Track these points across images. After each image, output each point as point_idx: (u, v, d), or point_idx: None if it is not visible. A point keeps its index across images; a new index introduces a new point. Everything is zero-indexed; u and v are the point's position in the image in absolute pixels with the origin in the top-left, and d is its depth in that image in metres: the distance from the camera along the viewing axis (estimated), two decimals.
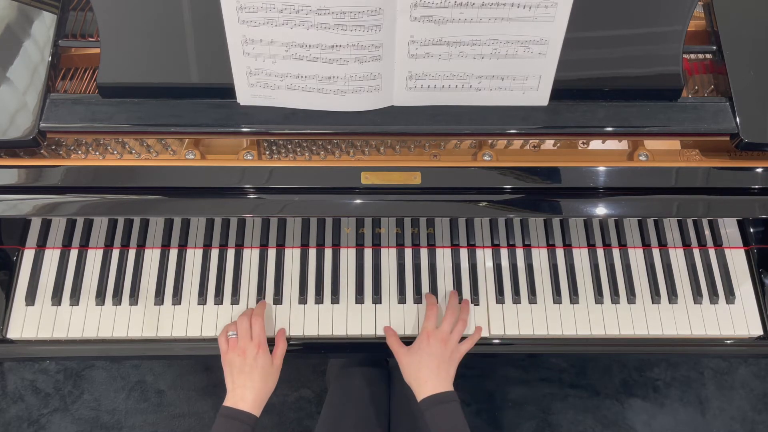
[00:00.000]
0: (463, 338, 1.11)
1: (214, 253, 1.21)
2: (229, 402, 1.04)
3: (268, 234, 1.22)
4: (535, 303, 1.18)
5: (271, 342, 1.13)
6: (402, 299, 1.18)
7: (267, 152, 1.10)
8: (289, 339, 1.15)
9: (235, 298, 1.17)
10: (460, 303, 1.16)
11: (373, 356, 1.34)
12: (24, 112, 1.02)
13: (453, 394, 1.03)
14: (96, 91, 1.02)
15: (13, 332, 1.15)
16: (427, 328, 1.09)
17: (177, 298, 1.17)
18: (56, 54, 1.07)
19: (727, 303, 1.18)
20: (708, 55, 1.14)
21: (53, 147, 1.07)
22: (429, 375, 1.04)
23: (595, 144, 1.12)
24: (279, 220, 1.22)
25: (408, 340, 1.15)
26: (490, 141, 1.10)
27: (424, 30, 0.93)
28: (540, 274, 1.20)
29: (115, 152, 1.08)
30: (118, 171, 1.03)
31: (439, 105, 1.02)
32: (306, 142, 1.09)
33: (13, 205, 1.02)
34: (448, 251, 1.22)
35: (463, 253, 1.22)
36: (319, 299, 1.17)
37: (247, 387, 1.04)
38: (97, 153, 1.08)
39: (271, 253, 1.21)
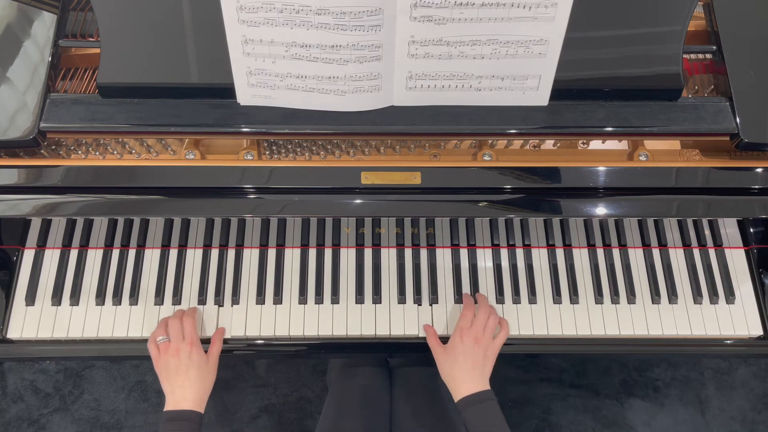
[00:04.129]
0: None
1: (214, 253, 1.21)
2: (170, 405, 1.03)
3: (268, 234, 1.22)
4: (535, 303, 1.18)
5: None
6: (402, 299, 1.18)
7: (267, 152, 1.10)
8: (289, 339, 1.15)
9: (235, 298, 1.17)
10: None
11: (374, 356, 1.34)
12: (24, 112, 1.02)
13: (489, 392, 1.03)
14: (96, 91, 1.02)
15: (13, 332, 1.15)
16: (461, 326, 1.08)
17: (177, 298, 1.17)
18: (56, 54, 1.07)
19: (727, 303, 1.18)
20: (708, 55, 1.14)
21: (53, 147, 1.07)
22: (464, 375, 1.04)
23: (595, 144, 1.12)
24: (279, 220, 1.22)
25: (410, 341, 1.16)
26: (490, 141, 1.10)
27: (424, 30, 0.93)
28: (540, 274, 1.20)
29: (115, 152, 1.08)
30: (118, 171, 1.03)
31: (439, 105, 1.02)
32: (306, 142, 1.09)
33: (13, 205, 1.02)
34: (448, 251, 1.22)
35: (463, 253, 1.22)
36: (319, 299, 1.17)
37: (186, 386, 1.03)
38: (97, 153, 1.08)
39: (271, 253, 1.21)
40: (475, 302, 1.15)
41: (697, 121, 1.03)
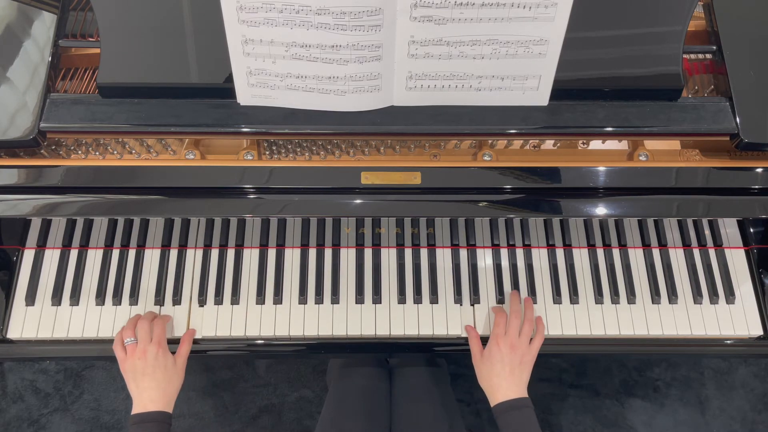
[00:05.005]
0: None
1: (214, 253, 1.21)
2: (137, 408, 1.02)
3: (268, 234, 1.22)
4: (535, 303, 1.18)
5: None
6: (402, 299, 1.18)
7: (267, 152, 1.10)
8: (289, 339, 1.15)
9: (235, 298, 1.17)
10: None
11: (374, 356, 1.34)
12: (24, 112, 1.02)
13: (526, 400, 1.03)
14: (96, 91, 1.02)
15: (13, 332, 1.15)
16: (496, 333, 1.08)
17: (177, 298, 1.17)
18: (56, 54, 1.07)
19: (727, 303, 1.18)
20: (708, 55, 1.14)
21: (53, 147, 1.07)
22: (500, 382, 1.04)
23: (595, 144, 1.12)
24: (279, 220, 1.22)
25: (410, 341, 1.16)
26: (490, 141, 1.10)
27: (424, 30, 0.93)
28: (540, 274, 1.20)
29: (115, 152, 1.08)
30: (118, 171, 1.03)
31: (439, 105, 1.02)
32: (306, 142, 1.09)
33: (13, 205, 1.02)
34: (448, 251, 1.22)
35: (463, 253, 1.22)
36: (319, 299, 1.17)
37: (153, 388, 1.03)
38: (97, 153, 1.08)
39: (271, 253, 1.21)
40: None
41: (697, 121, 1.03)
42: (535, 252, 1.22)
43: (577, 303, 1.18)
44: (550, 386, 1.88)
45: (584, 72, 1.02)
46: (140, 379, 1.04)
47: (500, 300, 1.18)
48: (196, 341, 1.15)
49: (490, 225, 1.22)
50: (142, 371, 1.04)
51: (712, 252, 1.23)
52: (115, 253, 1.21)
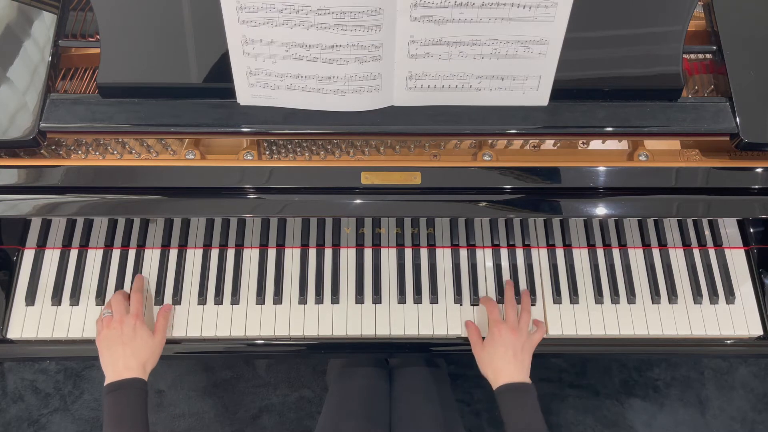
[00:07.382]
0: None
1: (214, 253, 1.21)
2: (112, 377, 1.01)
3: (268, 234, 1.22)
4: (535, 304, 1.18)
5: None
6: (402, 299, 1.18)
7: (267, 152, 1.10)
8: (289, 339, 1.15)
9: (235, 298, 1.17)
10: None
11: (374, 356, 1.34)
12: (24, 112, 1.02)
13: (529, 385, 1.03)
14: (96, 91, 1.02)
15: (13, 332, 1.15)
16: (495, 320, 1.10)
17: (177, 298, 1.17)
18: (56, 54, 1.07)
19: (727, 303, 1.18)
20: (708, 55, 1.14)
21: (53, 147, 1.07)
22: (503, 365, 1.05)
23: (595, 144, 1.12)
24: (279, 220, 1.22)
25: (410, 341, 1.16)
26: (490, 141, 1.10)
27: (424, 30, 0.93)
28: (540, 274, 1.20)
29: (115, 152, 1.08)
30: (118, 171, 1.03)
31: (439, 105, 1.02)
32: (306, 142, 1.09)
33: (13, 205, 1.02)
34: (448, 251, 1.22)
35: (463, 253, 1.22)
36: (319, 299, 1.17)
37: (128, 355, 1.02)
38: (97, 153, 1.08)
39: (271, 253, 1.21)
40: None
41: (697, 121, 1.03)
42: (535, 252, 1.22)
43: (577, 303, 1.18)
44: (550, 386, 1.88)
45: (584, 72, 1.02)
46: (115, 348, 1.03)
47: (500, 300, 1.18)
48: (195, 341, 1.15)
49: (490, 225, 1.22)
50: (119, 340, 1.04)
51: (712, 252, 1.23)
52: (116, 253, 1.21)
